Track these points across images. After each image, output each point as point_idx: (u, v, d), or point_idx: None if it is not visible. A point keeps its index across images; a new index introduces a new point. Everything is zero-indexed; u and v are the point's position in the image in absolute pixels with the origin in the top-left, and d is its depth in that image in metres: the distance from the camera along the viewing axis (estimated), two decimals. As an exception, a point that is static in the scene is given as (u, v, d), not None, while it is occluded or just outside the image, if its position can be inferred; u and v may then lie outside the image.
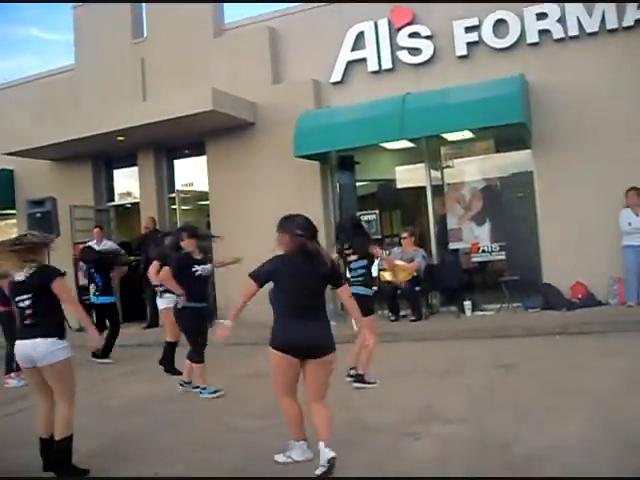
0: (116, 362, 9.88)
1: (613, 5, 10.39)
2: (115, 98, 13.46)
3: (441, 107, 10.54)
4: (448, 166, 12.09)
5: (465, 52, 11.23)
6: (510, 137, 11.19)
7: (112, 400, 7.61)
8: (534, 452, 4.70)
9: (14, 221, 15.67)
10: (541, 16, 10.76)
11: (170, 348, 8.60)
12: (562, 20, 10.64)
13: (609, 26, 10.42)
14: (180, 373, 8.03)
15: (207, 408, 6.94)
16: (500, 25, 11.04)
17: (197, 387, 7.46)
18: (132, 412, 6.98)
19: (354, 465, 4.77)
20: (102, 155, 14.32)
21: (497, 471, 4.43)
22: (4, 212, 16.09)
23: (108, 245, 12.57)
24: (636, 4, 10.27)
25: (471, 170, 12.03)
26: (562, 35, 10.65)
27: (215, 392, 7.29)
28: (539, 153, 10.87)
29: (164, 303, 8.66)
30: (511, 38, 10.95)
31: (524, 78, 10.59)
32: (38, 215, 12.97)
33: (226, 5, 13.72)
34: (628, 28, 10.36)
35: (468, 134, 11.57)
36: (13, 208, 15.41)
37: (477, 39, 11.16)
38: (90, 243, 12.87)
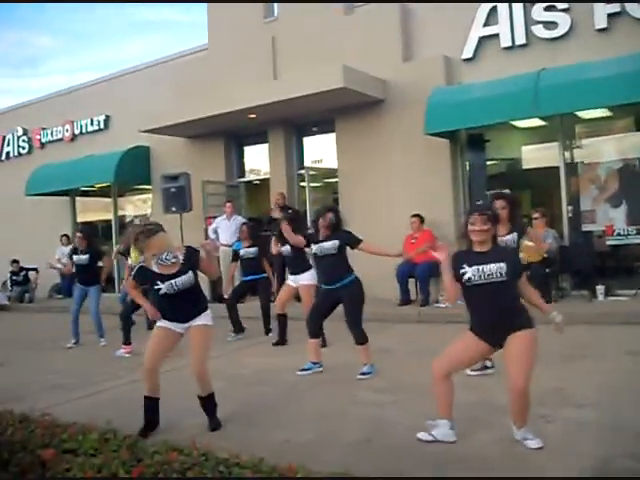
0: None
1: None
2: (247, 77, 13.77)
3: (577, 83, 10.14)
4: (583, 145, 11.67)
5: (605, 24, 10.68)
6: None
7: (242, 369, 7.88)
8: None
9: (149, 196, 16.36)
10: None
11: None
12: None
13: None
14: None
15: (332, 381, 7.04)
16: (645, -6, 10.47)
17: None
18: (260, 382, 7.20)
19: (481, 444, 4.75)
20: (233, 132, 14.70)
21: (628, 459, 4.30)
22: (140, 187, 16.82)
23: (238, 220, 12.92)
24: None
25: (608, 149, 11.55)
26: None
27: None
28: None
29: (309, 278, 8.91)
30: (657, 8, 10.38)
31: (667, 50, 10.03)
32: (172, 190, 13.48)
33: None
34: None
35: (606, 112, 11.11)
36: (149, 183, 16.07)
37: (619, 9, 10.60)
38: (219, 218, 13.29)
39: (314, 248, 7.33)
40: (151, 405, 5.55)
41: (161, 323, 5.60)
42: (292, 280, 9.10)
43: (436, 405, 4.89)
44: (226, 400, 5.93)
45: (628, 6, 10.50)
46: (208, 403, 5.61)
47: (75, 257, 10.56)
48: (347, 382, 6.91)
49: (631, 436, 4.72)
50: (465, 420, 5.12)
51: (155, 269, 5.47)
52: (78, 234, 10.93)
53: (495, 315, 4.60)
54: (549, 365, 6.97)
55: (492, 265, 4.53)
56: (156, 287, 5.44)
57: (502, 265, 4.52)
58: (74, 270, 10.72)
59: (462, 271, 4.58)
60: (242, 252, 10.26)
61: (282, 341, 9.31)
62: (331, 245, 7.21)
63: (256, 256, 10.14)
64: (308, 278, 8.85)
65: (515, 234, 6.66)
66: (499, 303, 4.57)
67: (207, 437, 5.00)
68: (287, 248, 8.85)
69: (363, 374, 7.04)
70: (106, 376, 8.00)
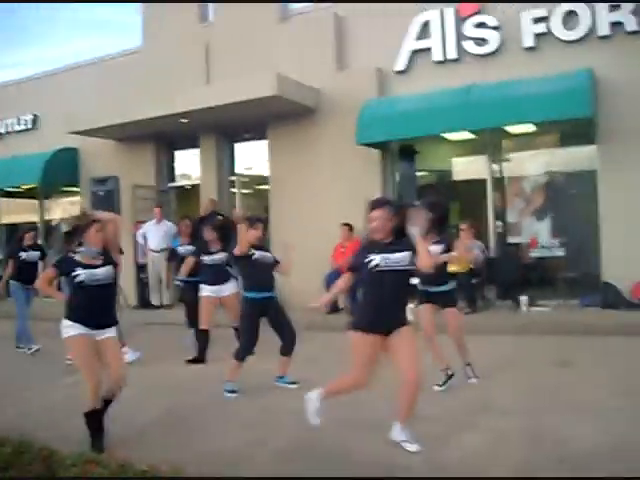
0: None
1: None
2: (180, 81, 13.64)
3: (506, 99, 10.42)
4: (510, 159, 11.97)
5: (533, 44, 11.01)
6: (575, 132, 11.01)
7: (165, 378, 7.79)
8: (591, 449, 4.66)
9: (78, 198, 16.03)
10: (613, 8, 10.48)
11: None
12: (637, 12, 10.27)
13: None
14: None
15: (258, 389, 7.02)
16: (570, 17, 10.77)
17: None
18: (185, 391, 7.14)
19: (405, 454, 4.80)
20: (165, 137, 14.53)
21: (550, 464, 4.42)
22: (68, 189, 16.47)
23: (167, 225, 12.80)
24: None
25: (533, 164, 11.90)
26: (636, 28, 10.31)
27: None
28: (604, 149, 10.61)
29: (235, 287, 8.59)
30: (581, 30, 10.68)
31: (592, 72, 10.36)
32: (101, 193, 13.29)
33: (292, -9, 13.77)
34: None
35: (532, 127, 11.41)
36: (77, 186, 15.76)
37: (545, 30, 10.93)
38: (148, 223, 13.14)
39: (257, 254, 7.09)
40: (99, 417, 5.34)
41: (73, 331, 5.30)
42: (213, 291, 8.46)
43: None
44: (148, 409, 5.86)
45: (554, 27, 10.83)
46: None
47: (24, 254, 10.06)
48: (273, 390, 6.90)
49: (551, 442, 4.86)
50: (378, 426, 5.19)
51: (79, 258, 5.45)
52: (31, 232, 10.55)
53: (394, 304, 4.91)
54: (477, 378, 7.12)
55: (398, 254, 4.80)
56: (74, 274, 5.34)
57: (406, 254, 4.80)
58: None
59: (368, 259, 4.79)
60: (181, 250, 9.58)
61: (201, 359, 8.58)
62: (271, 255, 7.28)
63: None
64: (234, 287, 8.59)
65: (443, 245, 6.77)
66: (398, 291, 4.90)
67: (128, 447, 4.92)
68: (218, 256, 8.48)
69: (286, 383, 7.09)
70: (34, 382, 7.82)
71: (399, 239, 4.86)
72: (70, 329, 5.32)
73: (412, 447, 4.85)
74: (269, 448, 5.07)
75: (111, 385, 5.33)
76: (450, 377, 6.79)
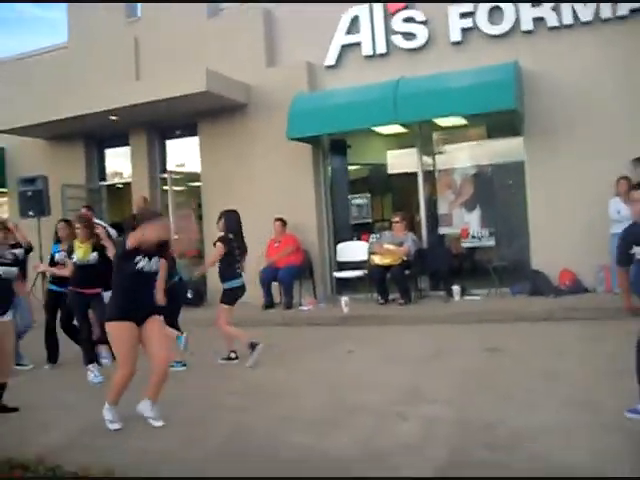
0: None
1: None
2: (108, 77, 13.41)
3: (434, 92, 10.53)
4: (440, 152, 12.16)
5: (460, 38, 11.23)
6: (502, 124, 11.26)
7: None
8: (516, 432, 4.79)
9: (5, 199, 15.64)
10: (536, 4, 10.77)
11: None
12: (557, 8, 10.64)
13: (604, 15, 10.41)
14: None
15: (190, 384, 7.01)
16: (495, 12, 11.04)
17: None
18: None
19: (338, 445, 4.84)
20: (94, 134, 14.27)
21: (478, 451, 4.52)
22: (-6, 190, 16.05)
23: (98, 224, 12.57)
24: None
25: (463, 156, 12.11)
26: (556, 24, 10.64)
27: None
28: (531, 141, 10.92)
29: None
30: (506, 25, 10.95)
31: (518, 65, 10.60)
32: (29, 194, 12.92)
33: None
34: (622, 17, 10.33)
35: (461, 120, 11.62)
36: (4, 186, 15.36)
37: (472, 25, 11.16)
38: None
39: None
40: None
41: None
42: None
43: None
44: (83, 410, 5.77)
45: (480, 22, 11.05)
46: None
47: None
48: (203, 386, 6.90)
49: (482, 428, 4.95)
50: (319, 421, 5.25)
51: None
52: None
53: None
54: (405, 364, 7.24)
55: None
56: None
57: None
58: None
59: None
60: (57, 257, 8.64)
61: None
62: None
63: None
64: None
65: None
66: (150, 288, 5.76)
67: (61, 450, 4.83)
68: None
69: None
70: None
71: None
72: None
73: (158, 423, 5.48)
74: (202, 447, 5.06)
75: None
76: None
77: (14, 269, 6.50)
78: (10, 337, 6.33)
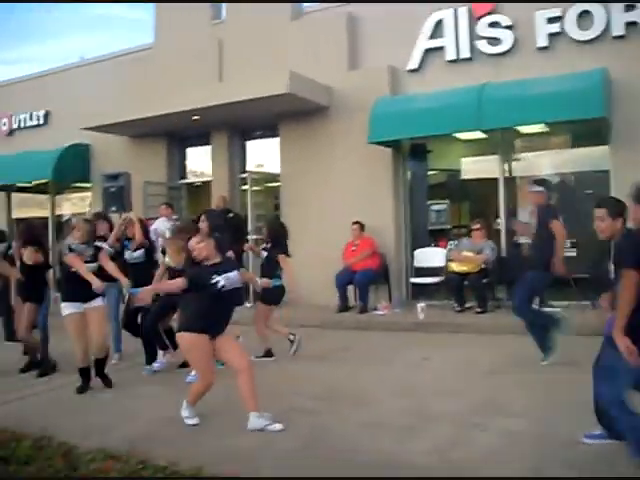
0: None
1: None
2: (192, 78, 13.64)
3: (521, 99, 10.31)
4: (522, 159, 11.93)
5: (546, 43, 10.97)
6: (587, 132, 10.96)
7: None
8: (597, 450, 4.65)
9: (88, 194, 16.07)
10: (629, 8, 10.42)
11: None
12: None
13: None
14: None
15: (268, 388, 7.03)
16: (584, 16, 10.74)
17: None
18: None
19: (418, 452, 4.79)
20: (176, 133, 14.56)
21: (556, 468, 4.41)
22: (79, 185, 16.50)
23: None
24: None
25: (545, 164, 11.83)
26: (651, 28, 10.30)
27: None
28: (617, 150, 10.57)
29: None
30: (595, 30, 10.64)
31: (607, 72, 10.32)
32: (112, 190, 13.18)
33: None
34: None
35: (544, 127, 11.37)
36: (88, 182, 15.79)
37: (559, 30, 10.88)
38: (159, 220, 13.08)
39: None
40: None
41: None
42: None
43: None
44: (167, 404, 5.86)
45: (567, 27, 10.79)
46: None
47: None
48: (282, 389, 6.92)
49: (563, 444, 4.83)
50: (397, 427, 5.21)
51: None
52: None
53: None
54: (481, 373, 7.12)
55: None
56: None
57: None
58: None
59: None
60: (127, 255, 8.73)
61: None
62: None
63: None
64: None
65: None
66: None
67: (146, 442, 4.92)
68: None
69: None
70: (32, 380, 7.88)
71: None
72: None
73: (278, 426, 5.41)
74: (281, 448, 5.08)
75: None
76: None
77: (93, 265, 7.24)
78: (99, 320, 7.25)
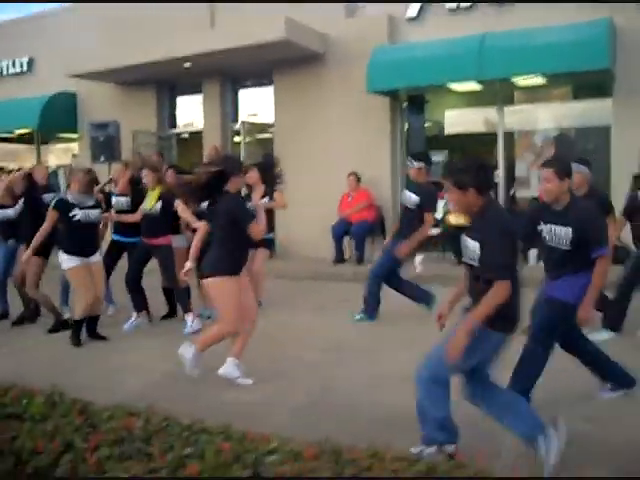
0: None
1: None
2: (183, 23, 13.20)
3: (523, 48, 10.09)
4: (521, 111, 11.77)
5: (550, -8, 10.72)
6: (589, 84, 10.83)
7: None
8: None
9: (76, 144, 15.72)
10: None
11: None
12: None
13: None
14: None
15: (275, 340, 6.92)
16: (589, -36, 10.49)
17: None
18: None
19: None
20: (166, 81, 14.21)
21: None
22: (66, 135, 16.13)
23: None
24: None
25: (545, 117, 11.70)
26: (657, -22, 10.03)
27: None
28: (620, 102, 10.42)
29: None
30: (600, -21, 10.41)
31: (611, 22, 10.08)
32: (101, 139, 12.93)
33: None
34: None
35: (543, 80, 11.14)
36: (75, 131, 15.42)
37: (564, -21, 10.64)
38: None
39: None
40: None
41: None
42: None
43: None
44: (170, 358, 5.75)
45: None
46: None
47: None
48: (288, 341, 6.84)
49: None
50: (405, 379, 5.08)
51: None
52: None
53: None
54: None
55: None
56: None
57: None
58: None
59: None
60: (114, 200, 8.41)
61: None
62: None
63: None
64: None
65: None
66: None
67: (152, 398, 4.77)
68: None
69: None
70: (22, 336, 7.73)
71: None
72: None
73: (248, 381, 5.36)
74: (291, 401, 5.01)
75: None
76: None
77: (96, 211, 7.14)
78: (100, 275, 7.21)
